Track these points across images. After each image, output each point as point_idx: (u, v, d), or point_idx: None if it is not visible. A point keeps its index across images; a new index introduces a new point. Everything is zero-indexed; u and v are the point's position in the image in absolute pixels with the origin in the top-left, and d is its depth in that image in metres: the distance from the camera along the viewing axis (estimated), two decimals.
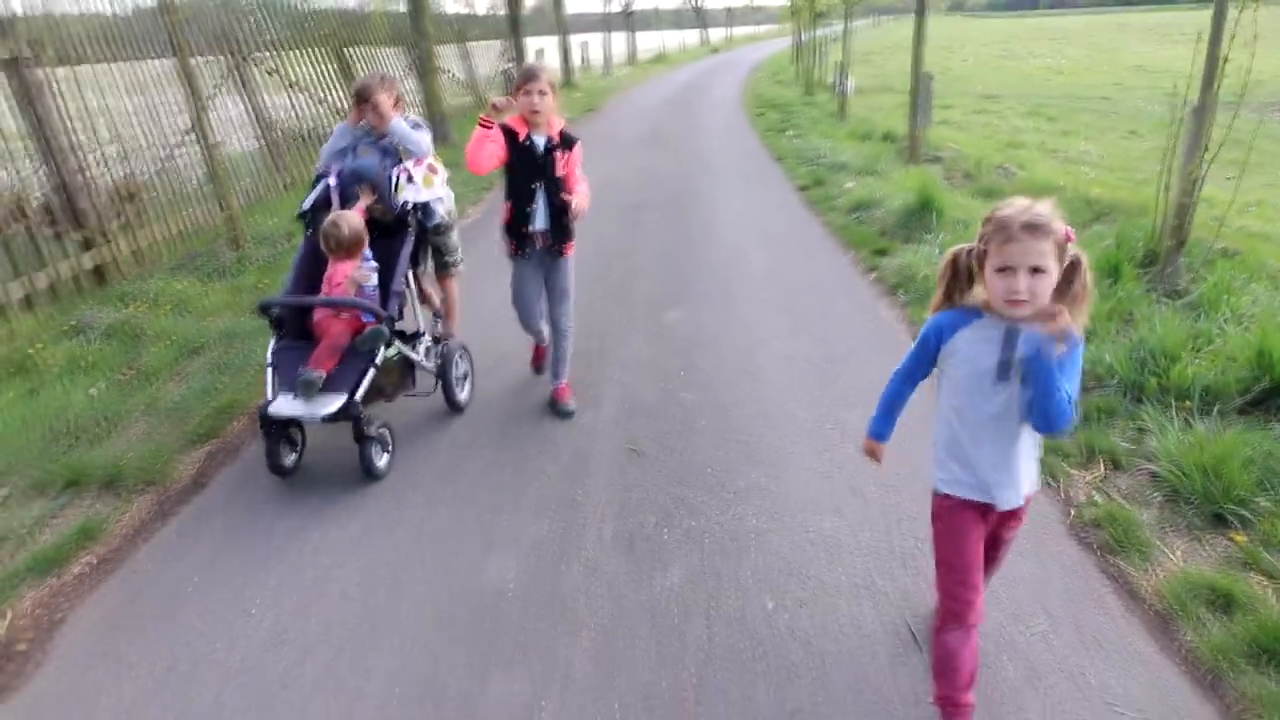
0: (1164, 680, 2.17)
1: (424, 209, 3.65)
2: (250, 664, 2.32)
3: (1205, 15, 4.76)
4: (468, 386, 3.95)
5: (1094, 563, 2.63)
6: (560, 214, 3.49)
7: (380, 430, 3.29)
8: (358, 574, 2.69)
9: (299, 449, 3.39)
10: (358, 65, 11.18)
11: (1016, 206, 1.71)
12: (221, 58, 7.77)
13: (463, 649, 2.35)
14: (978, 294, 1.83)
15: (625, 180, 9.16)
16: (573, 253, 3.66)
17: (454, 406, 3.79)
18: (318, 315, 3.36)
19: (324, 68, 9.72)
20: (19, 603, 2.61)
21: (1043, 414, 1.76)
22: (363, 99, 3.65)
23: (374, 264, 3.45)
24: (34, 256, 5.15)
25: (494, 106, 3.31)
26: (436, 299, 4.29)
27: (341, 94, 9.77)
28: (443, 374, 3.70)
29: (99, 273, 5.63)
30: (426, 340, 3.76)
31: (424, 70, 11.65)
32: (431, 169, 3.71)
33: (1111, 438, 3.26)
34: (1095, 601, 2.46)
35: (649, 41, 40.89)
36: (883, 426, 2.13)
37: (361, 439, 3.17)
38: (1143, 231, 5.38)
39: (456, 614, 2.49)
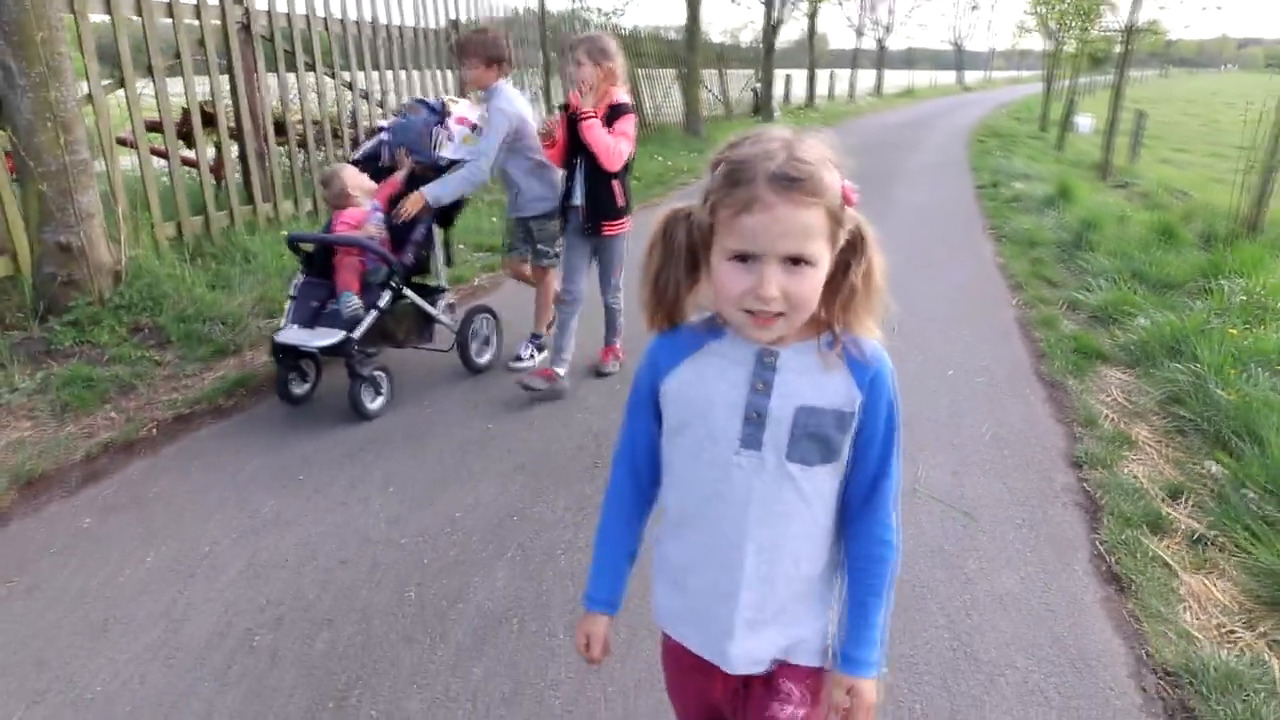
0: (1018, 357, 4.30)
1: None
2: None
3: None
4: (489, 353, 3.99)
5: (1019, 331, 4.73)
6: (598, 190, 3.45)
7: (375, 373, 3.42)
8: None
9: (312, 380, 3.61)
10: (641, 82, 14.52)
11: (762, 142, 0.93)
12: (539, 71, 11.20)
13: None
14: (704, 293, 1.03)
15: None
16: (619, 232, 3.56)
17: (469, 368, 3.87)
18: (337, 254, 3.55)
19: None
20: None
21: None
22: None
23: (379, 215, 3.59)
24: None
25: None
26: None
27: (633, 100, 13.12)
28: (460, 335, 3.79)
29: None
30: (449, 297, 3.92)
31: (689, 82, 14.73)
32: (476, 129, 3.74)
33: (1080, 295, 5.22)
34: (1008, 341, 4.59)
35: (899, 79, 42.34)
36: (605, 583, 1.20)
37: (353, 376, 3.32)
38: (1228, 219, 6.96)
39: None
